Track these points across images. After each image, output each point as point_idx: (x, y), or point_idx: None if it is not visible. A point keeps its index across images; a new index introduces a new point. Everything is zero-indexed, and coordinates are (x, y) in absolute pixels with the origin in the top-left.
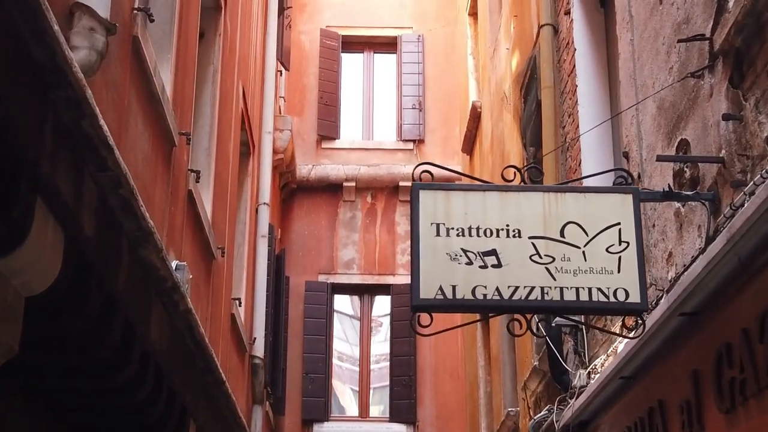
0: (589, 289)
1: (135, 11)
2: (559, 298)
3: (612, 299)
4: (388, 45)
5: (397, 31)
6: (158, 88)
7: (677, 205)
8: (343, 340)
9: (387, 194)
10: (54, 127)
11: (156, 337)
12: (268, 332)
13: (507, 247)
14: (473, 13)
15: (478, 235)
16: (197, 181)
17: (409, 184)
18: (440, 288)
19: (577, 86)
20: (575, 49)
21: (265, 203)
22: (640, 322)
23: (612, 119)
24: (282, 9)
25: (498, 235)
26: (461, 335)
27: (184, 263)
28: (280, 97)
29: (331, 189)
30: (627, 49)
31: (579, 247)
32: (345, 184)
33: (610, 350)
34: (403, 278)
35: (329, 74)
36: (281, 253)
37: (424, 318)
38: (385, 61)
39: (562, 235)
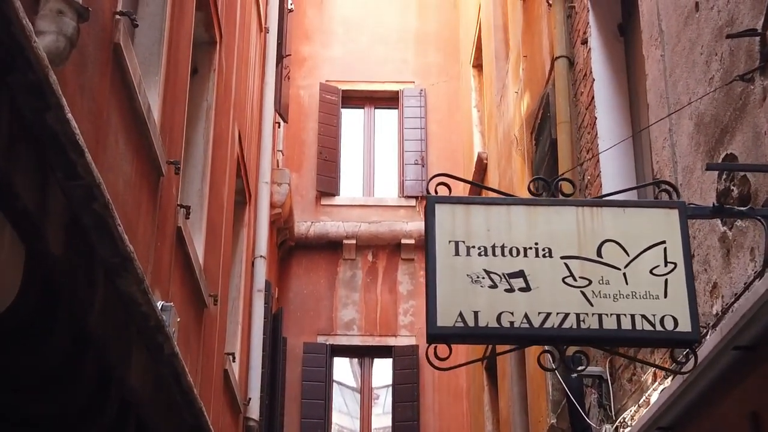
0: (632, 317)
1: (117, 15)
2: (597, 327)
3: (659, 328)
4: (390, 100)
5: (399, 85)
6: (143, 108)
7: (722, 229)
8: (344, 412)
9: (389, 252)
10: (12, 120)
11: (137, 383)
12: (264, 394)
13: (536, 269)
14: (477, 65)
15: (503, 255)
16: (187, 218)
17: (411, 242)
18: (460, 314)
19: (596, 118)
20: (594, 80)
21: (261, 256)
22: (682, 357)
23: (637, 150)
24: (280, 57)
25: (526, 255)
26: (466, 398)
27: (171, 304)
28: (278, 150)
29: (330, 247)
30: (656, 68)
31: (619, 269)
32: (345, 241)
33: (641, 400)
34: (405, 340)
35: (329, 129)
36: (278, 312)
37: (442, 350)
38: (386, 116)
39: (599, 254)
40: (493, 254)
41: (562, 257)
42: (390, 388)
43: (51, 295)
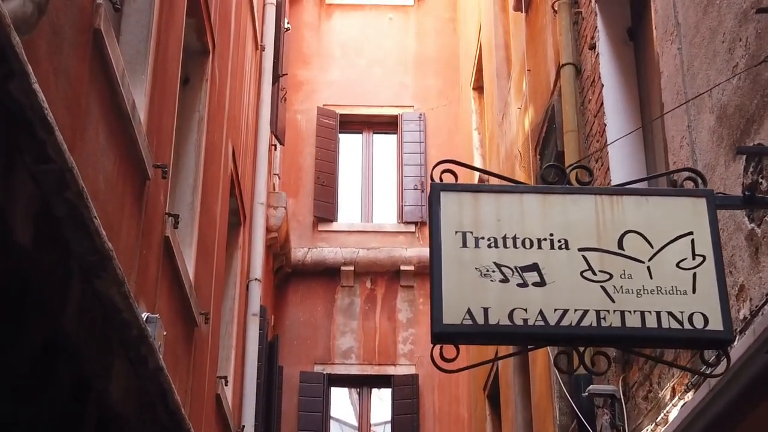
0: (658, 314)
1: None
2: (619, 325)
3: (687, 326)
4: (388, 124)
5: (398, 109)
6: (128, 104)
7: (750, 226)
8: None
9: (387, 279)
10: None
11: (118, 397)
12: (259, 423)
13: (552, 262)
14: (478, 87)
15: (515, 246)
16: (176, 227)
17: (411, 268)
18: (468, 311)
19: (606, 125)
20: (603, 85)
21: (256, 279)
22: (712, 359)
23: (649, 156)
24: (277, 77)
25: (540, 247)
26: (468, 429)
27: (157, 316)
28: (275, 174)
29: (328, 273)
30: (672, 64)
31: (642, 262)
32: (343, 268)
33: (659, 418)
34: (404, 369)
35: (326, 154)
36: (274, 340)
37: (449, 350)
38: (384, 141)
39: (620, 246)
40: (504, 246)
41: (580, 249)
42: (389, 419)
43: (18, 292)
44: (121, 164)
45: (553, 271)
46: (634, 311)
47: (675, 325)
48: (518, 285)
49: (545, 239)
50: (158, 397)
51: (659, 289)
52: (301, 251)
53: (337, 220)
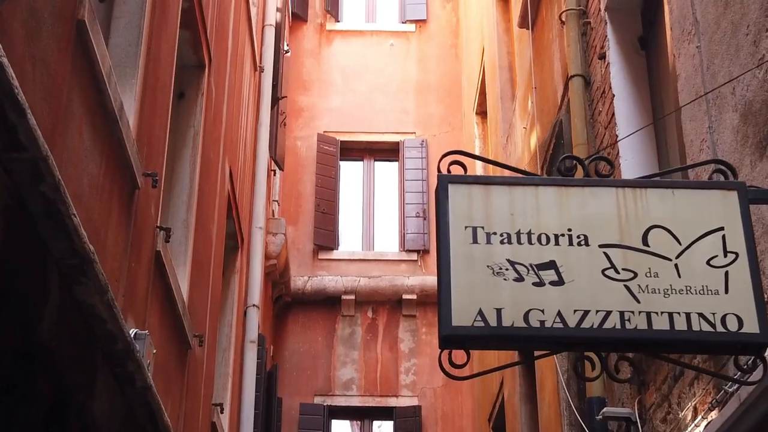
0: (687, 315)
1: None
2: (645, 327)
3: (720, 328)
4: (390, 151)
5: (399, 136)
6: (114, 105)
7: None
8: None
9: (389, 308)
10: None
11: (102, 415)
12: None
13: (570, 259)
14: (481, 112)
15: (530, 243)
16: (167, 241)
17: (413, 297)
18: (480, 312)
19: (617, 136)
20: (614, 95)
21: (254, 305)
22: (746, 364)
23: (663, 165)
24: (276, 100)
25: (557, 243)
26: None
27: (146, 332)
28: (274, 200)
29: (328, 303)
30: (690, 64)
31: (670, 259)
32: (344, 297)
33: None
34: (407, 400)
35: (327, 181)
36: (273, 369)
37: (459, 355)
38: (386, 168)
39: (645, 243)
40: (519, 242)
41: (601, 246)
42: None
43: None
44: (107, 168)
45: (571, 269)
46: (662, 312)
47: (706, 327)
48: (534, 284)
49: (563, 235)
50: (146, 419)
51: (688, 288)
52: (301, 280)
53: (337, 248)
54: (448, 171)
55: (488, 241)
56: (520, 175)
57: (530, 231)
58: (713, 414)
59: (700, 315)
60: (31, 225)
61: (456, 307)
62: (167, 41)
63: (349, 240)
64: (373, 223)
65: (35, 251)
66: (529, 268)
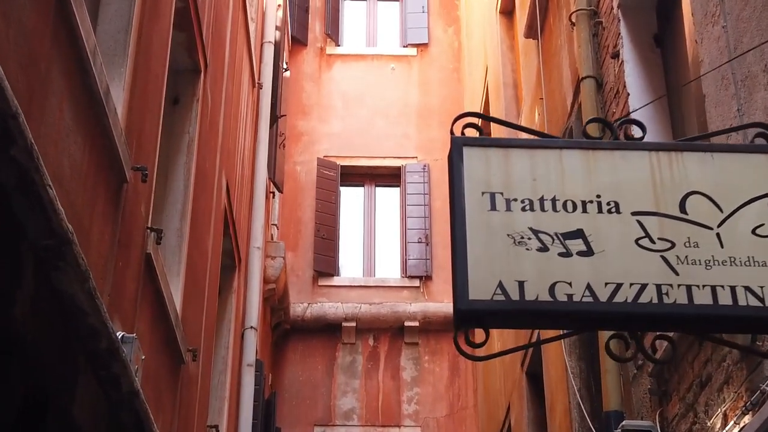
0: (732, 289)
1: None
2: (686, 302)
3: None
4: (391, 176)
5: (401, 161)
6: (100, 87)
7: None
8: None
9: (391, 336)
10: None
11: (83, 419)
12: None
13: (600, 227)
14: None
15: (554, 210)
16: (158, 243)
17: (415, 324)
18: (500, 285)
19: (632, 137)
20: (628, 94)
21: (252, 327)
22: None
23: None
24: (275, 119)
25: (585, 210)
26: None
27: (134, 336)
28: (273, 224)
29: (328, 330)
30: (716, 47)
31: (711, 228)
32: (344, 324)
33: None
34: (409, 430)
35: (327, 206)
36: (271, 398)
37: (477, 333)
38: (387, 193)
39: (683, 210)
40: (542, 209)
41: (634, 213)
42: None
43: None
44: (91, 155)
45: (601, 239)
46: (703, 285)
47: (754, 302)
48: (560, 254)
49: (591, 201)
50: (134, 427)
51: (732, 259)
52: (300, 306)
53: (338, 275)
54: (462, 133)
55: (508, 208)
56: (542, 138)
57: (554, 197)
58: (746, 419)
59: (747, 288)
60: (4, 198)
61: (473, 280)
62: (159, 34)
63: (350, 266)
64: (375, 248)
65: (5, 225)
66: (554, 237)
